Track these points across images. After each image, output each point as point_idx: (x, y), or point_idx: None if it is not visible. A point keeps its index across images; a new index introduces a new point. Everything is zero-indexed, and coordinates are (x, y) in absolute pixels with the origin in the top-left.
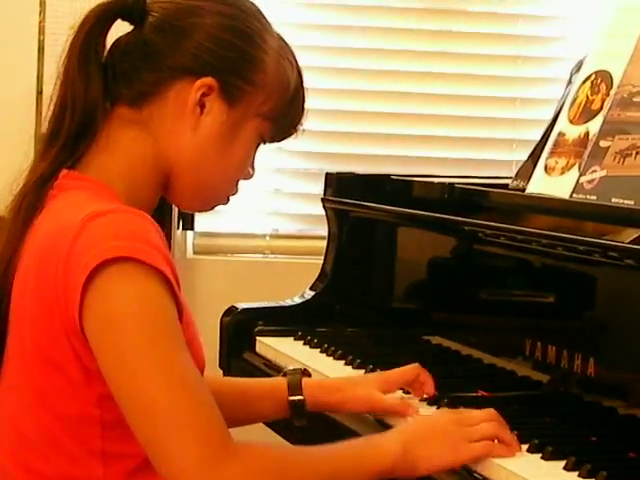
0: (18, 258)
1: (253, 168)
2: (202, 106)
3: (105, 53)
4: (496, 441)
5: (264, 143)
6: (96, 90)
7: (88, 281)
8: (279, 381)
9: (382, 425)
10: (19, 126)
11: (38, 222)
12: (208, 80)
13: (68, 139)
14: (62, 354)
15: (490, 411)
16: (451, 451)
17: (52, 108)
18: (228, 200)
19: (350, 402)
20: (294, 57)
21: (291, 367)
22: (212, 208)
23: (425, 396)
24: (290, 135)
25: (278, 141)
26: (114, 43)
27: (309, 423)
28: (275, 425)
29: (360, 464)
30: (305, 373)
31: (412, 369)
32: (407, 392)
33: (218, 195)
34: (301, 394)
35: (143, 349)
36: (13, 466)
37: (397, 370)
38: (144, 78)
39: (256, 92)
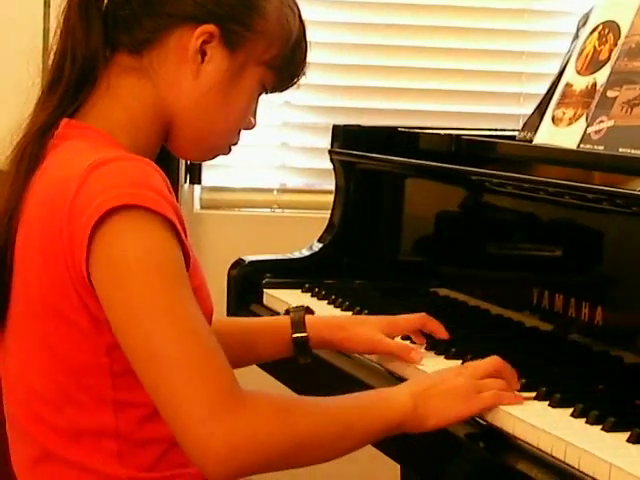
0: (21, 209)
1: (255, 118)
2: (203, 54)
3: (105, 1)
4: None
5: (266, 93)
6: (97, 37)
7: (94, 230)
8: (282, 319)
9: (391, 375)
10: (25, 82)
11: (40, 172)
12: (209, 27)
13: (69, 87)
14: (70, 304)
15: (495, 358)
16: (461, 404)
17: (52, 57)
18: (230, 150)
19: (352, 341)
20: (296, 5)
21: (294, 305)
22: (213, 158)
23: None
24: (291, 85)
25: (280, 91)
26: None
27: (312, 364)
28: (276, 371)
29: (369, 415)
30: (308, 310)
31: (419, 318)
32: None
33: (219, 144)
34: (305, 331)
35: (151, 297)
36: (25, 417)
37: (403, 316)
38: (144, 25)
39: (257, 39)
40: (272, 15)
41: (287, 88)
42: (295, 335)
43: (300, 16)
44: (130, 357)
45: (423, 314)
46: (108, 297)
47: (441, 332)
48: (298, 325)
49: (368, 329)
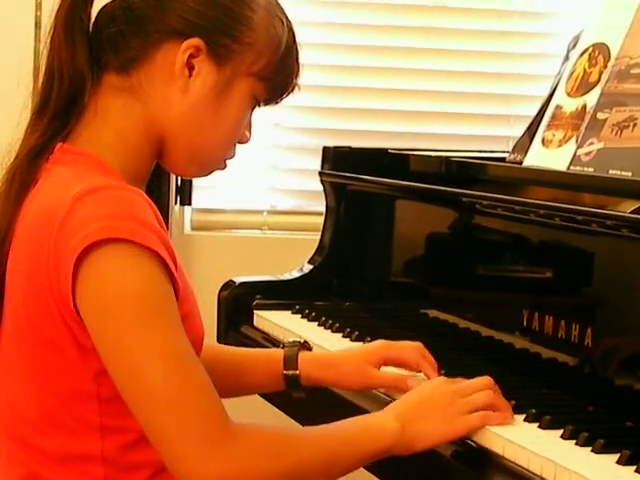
0: (12, 234)
1: (250, 131)
2: (191, 68)
3: (91, 22)
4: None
5: (259, 106)
6: (82, 58)
7: (78, 262)
8: (276, 353)
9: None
10: (16, 104)
11: (30, 197)
12: (195, 41)
13: (57, 110)
14: (57, 332)
15: (485, 379)
16: (447, 425)
17: (40, 80)
18: (225, 165)
19: (343, 379)
20: (284, 15)
21: (291, 339)
22: (209, 173)
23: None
24: (284, 95)
25: (272, 103)
26: (100, 11)
27: (307, 396)
28: (272, 397)
29: (357, 443)
30: (304, 346)
31: (412, 355)
32: None
33: (213, 159)
34: (296, 368)
35: (138, 334)
36: (11, 442)
37: (395, 348)
38: (130, 43)
39: (245, 51)
40: (260, 26)
41: (279, 99)
42: (285, 372)
43: (289, 25)
44: (121, 392)
45: (419, 349)
46: (97, 330)
47: (432, 375)
48: (290, 362)
49: (358, 364)
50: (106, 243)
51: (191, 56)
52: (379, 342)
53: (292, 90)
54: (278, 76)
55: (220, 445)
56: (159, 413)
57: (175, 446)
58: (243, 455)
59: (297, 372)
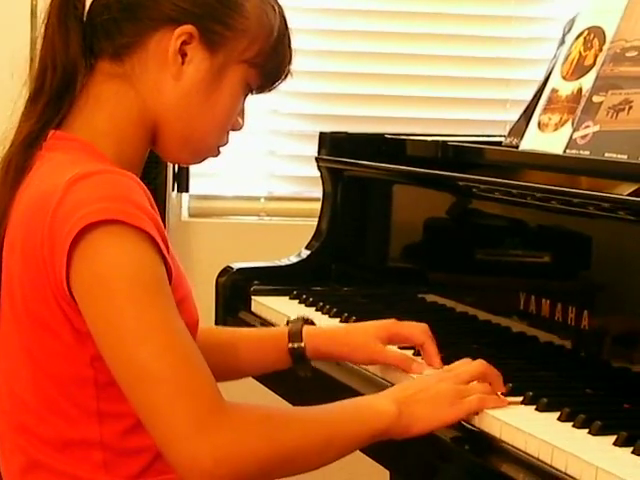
0: (7, 221)
1: (243, 118)
2: (184, 55)
3: (85, 9)
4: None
5: (252, 93)
6: (76, 45)
7: (73, 245)
8: (280, 330)
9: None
10: (11, 93)
11: (25, 184)
12: (188, 28)
13: (51, 97)
14: (53, 317)
15: (481, 364)
16: (445, 409)
17: (35, 67)
18: (219, 152)
19: (350, 352)
20: (276, 2)
21: (294, 317)
22: (202, 160)
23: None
24: (277, 81)
25: (265, 91)
26: None
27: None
28: (271, 383)
29: (354, 425)
30: (308, 321)
31: (420, 334)
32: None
33: (206, 145)
34: (301, 341)
35: (132, 313)
36: (12, 430)
37: (404, 326)
38: (124, 30)
39: (238, 38)
40: (252, 13)
41: (272, 87)
42: (291, 345)
43: (281, 12)
44: (114, 373)
45: (425, 330)
46: (89, 312)
47: (436, 361)
48: (295, 336)
49: (366, 338)
50: (100, 225)
51: (184, 43)
52: (389, 320)
53: (285, 77)
54: (270, 63)
55: (212, 426)
56: (151, 393)
57: (166, 427)
58: (235, 436)
59: (302, 344)
